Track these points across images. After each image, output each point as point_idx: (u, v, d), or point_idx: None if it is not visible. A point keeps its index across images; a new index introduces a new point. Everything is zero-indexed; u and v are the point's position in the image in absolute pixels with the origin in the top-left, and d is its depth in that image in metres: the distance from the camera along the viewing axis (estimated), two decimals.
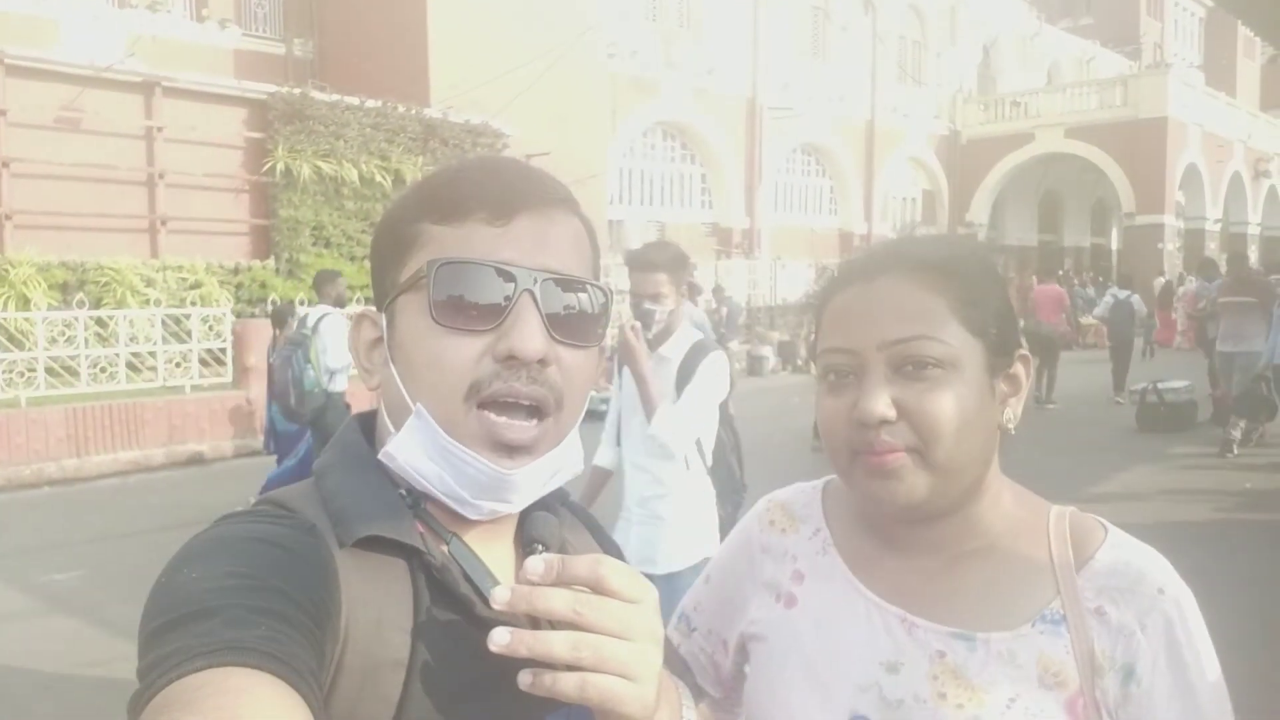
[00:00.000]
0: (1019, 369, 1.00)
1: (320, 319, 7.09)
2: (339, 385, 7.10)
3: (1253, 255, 35.73)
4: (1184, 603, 0.93)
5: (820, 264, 21.64)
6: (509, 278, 0.77)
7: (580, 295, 0.81)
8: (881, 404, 0.91)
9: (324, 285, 7.57)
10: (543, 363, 0.77)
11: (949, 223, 32.52)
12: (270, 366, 7.49)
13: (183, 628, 0.61)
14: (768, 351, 18.42)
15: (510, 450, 0.78)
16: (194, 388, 11.04)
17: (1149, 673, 0.90)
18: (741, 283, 22.10)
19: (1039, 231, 35.84)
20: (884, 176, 30.45)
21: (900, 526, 1.00)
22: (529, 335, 0.76)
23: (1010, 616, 0.94)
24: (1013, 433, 0.99)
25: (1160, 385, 11.50)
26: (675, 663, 1.09)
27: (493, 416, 0.77)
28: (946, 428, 0.91)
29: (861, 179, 29.86)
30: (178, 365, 11.20)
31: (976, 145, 32.31)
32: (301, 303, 12.44)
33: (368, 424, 0.88)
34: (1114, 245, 37.47)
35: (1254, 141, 36.39)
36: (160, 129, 13.24)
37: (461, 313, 0.77)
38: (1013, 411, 0.99)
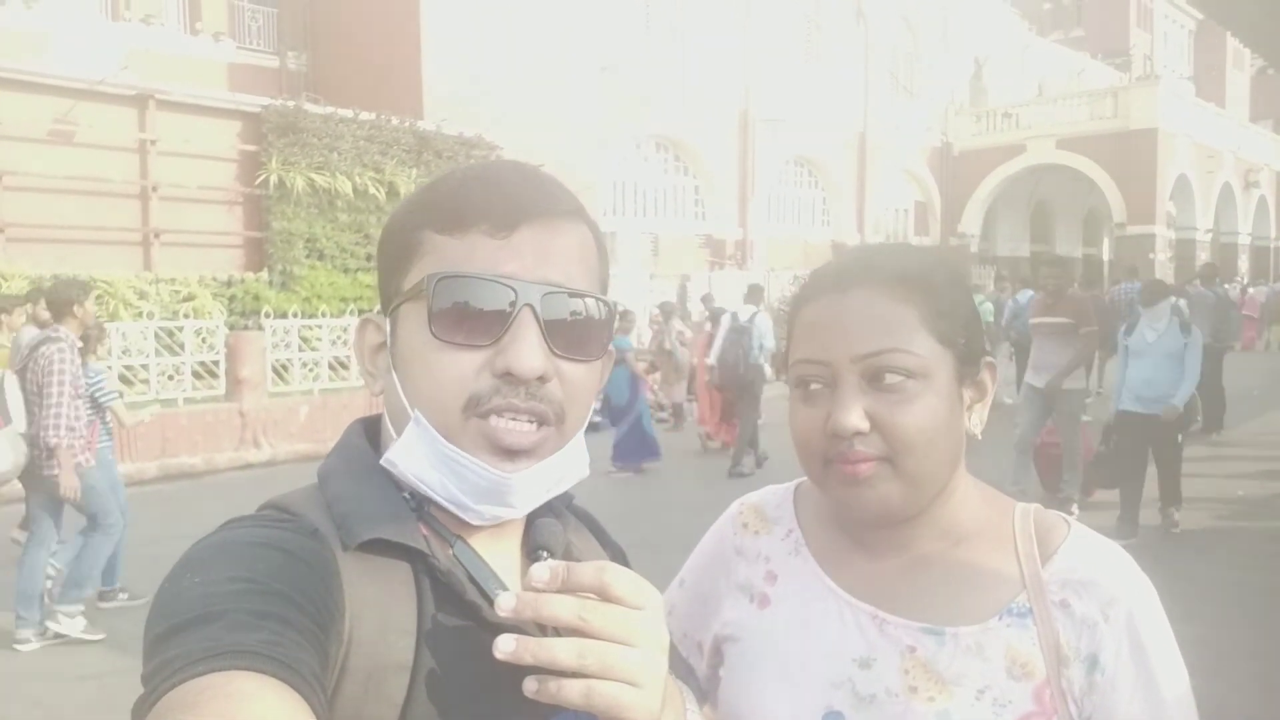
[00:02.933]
0: (985, 376, 1.02)
1: (753, 315, 9.93)
2: (764, 360, 9.98)
3: (1243, 264, 35.95)
4: (1145, 596, 0.96)
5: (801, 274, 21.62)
6: (510, 291, 0.77)
7: (584, 305, 0.80)
8: (855, 416, 0.93)
9: (752, 295, 10.65)
10: (542, 379, 0.77)
11: (941, 234, 32.66)
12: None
13: (186, 632, 0.62)
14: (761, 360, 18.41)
15: (510, 454, 0.77)
16: (187, 400, 11.02)
17: (1112, 662, 0.93)
18: (735, 293, 22.11)
19: (1031, 242, 35.96)
20: (876, 188, 30.58)
21: (871, 528, 1.02)
22: (527, 352, 0.76)
23: (978, 611, 0.97)
24: (979, 437, 1.02)
25: None
26: (679, 667, 1.10)
27: (493, 420, 0.77)
28: (918, 439, 0.94)
29: (854, 190, 29.98)
30: (170, 378, 11.18)
31: (968, 156, 32.45)
32: (296, 315, 12.42)
33: (371, 429, 0.88)
34: (1106, 255, 37.65)
35: (1244, 152, 36.61)
36: (154, 142, 13.25)
37: (461, 327, 0.77)
38: (979, 417, 1.02)
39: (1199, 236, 33.44)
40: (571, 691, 0.63)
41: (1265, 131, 41.15)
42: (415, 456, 0.79)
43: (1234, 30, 12.87)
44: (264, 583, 0.66)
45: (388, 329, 0.83)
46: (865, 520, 1.00)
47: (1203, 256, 31.29)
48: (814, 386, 0.98)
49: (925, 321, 0.95)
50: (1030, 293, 14.74)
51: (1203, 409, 11.51)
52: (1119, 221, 30.22)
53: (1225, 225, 36.53)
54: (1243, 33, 12.72)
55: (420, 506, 0.81)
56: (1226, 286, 12.41)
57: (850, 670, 0.98)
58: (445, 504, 0.80)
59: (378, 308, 0.89)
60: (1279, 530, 7.30)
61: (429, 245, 0.80)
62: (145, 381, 10.99)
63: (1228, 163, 35.10)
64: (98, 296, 11.74)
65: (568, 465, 0.83)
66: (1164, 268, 28.78)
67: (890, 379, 0.94)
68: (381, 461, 0.81)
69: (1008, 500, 1.06)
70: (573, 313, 0.79)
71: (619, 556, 0.99)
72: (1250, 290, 25.59)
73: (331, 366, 12.49)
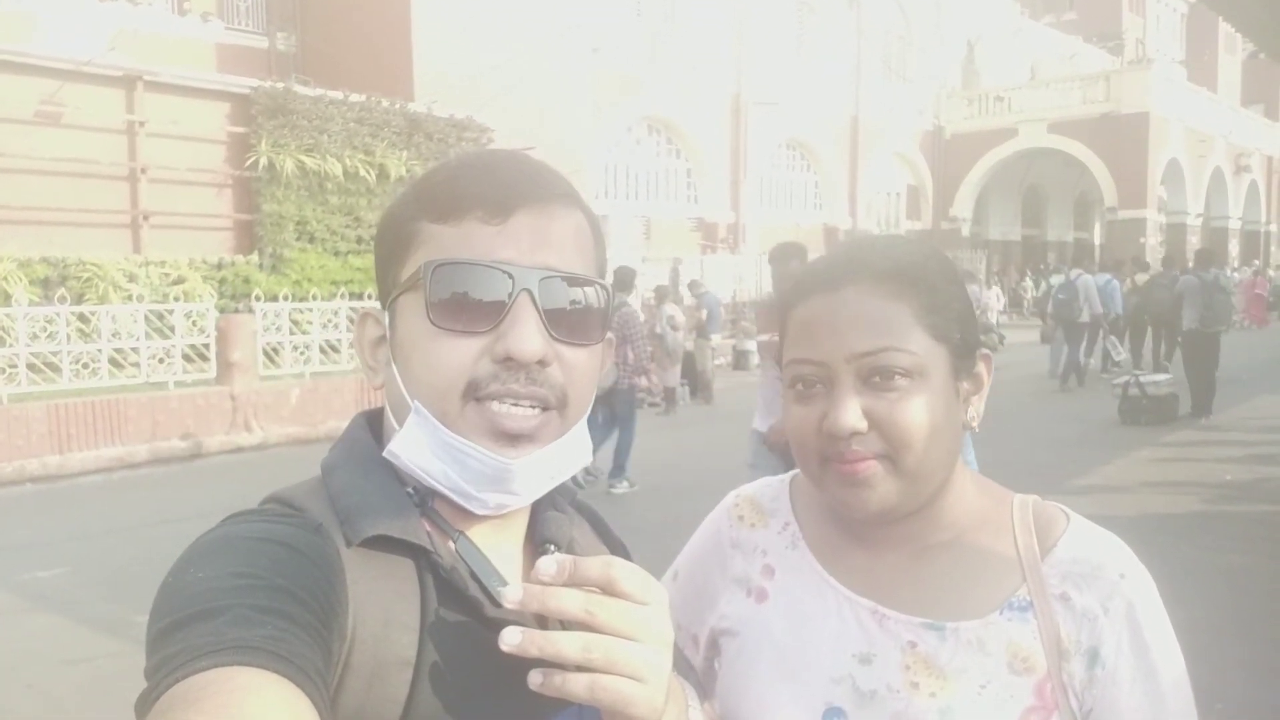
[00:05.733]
0: (981, 368, 1.02)
1: None
2: None
3: (1233, 249, 36.10)
4: (1144, 587, 0.96)
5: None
6: (507, 277, 0.76)
7: (582, 292, 0.80)
8: (853, 416, 0.93)
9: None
10: (542, 363, 0.77)
11: (933, 217, 32.68)
12: None
13: (189, 628, 0.61)
14: (753, 346, 18.42)
15: (512, 438, 0.77)
16: (177, 383, 10.98)
17: (1113, 655, 0.93)
18: (727, 277, 22.14)
19: (1022, 226, 36.05)
20: (868, 172, 30.55)
21: (869, 524, 1.02)
22: (526, 337, 0.76)
23: (978, 605, 0.97)
24: (976, 430, 1.02)
25: (1142, 379, 11.63)
26: (680, 663, 1.10)
27: (493, 406, 0.77)
28: (917, 436, 0.93)
29: (846, 174, 29.95)
30: (161, 361, 11.13)
31: (960, 140, 32.45)
32: (286, 298, 12.38)
33: (375, 421, 0.88)
34: (1097, 240, 37.73)
35: (1235, 137, 36.70)
36: (142, 123, 13.14)
37: (459, 314, 0.77)
38: (975, 410, 1.02)
39: (1190, 221, 33.54)
40: (576, 685, 0.64)
41: (1256, 116, 41.21)
42: (417, 446, 0.79)
43: (1225, 15, 12.86)
44: (267, 578, 0.66)
45: (386, 322, 0.83)
46: (864, 518, 0.99)
47: (1193, 241, 31.42)
48: (809, 386, 0.97)
49: (919, 318, 0.95)
50: (1108, 276, 15.47)
51: (1191, 393, 11.59)
52: (1110, 206, 30.29)
53: (1216, 210, 36.65)
54: (1234, 17, 12.71)
55: (424, 502, 0.81)
56: (1215, 271, 12.55)
57: (851, 666, 0.98)
58: (449, 494, 0.80)
59: (371, 294, 0.89)
60: (1266, 514, 7.35)
61: (425, 235, 0.80)
62: (136, 365, 10.95)
63: (1219, 147, 35.17)
64: (87, 280, 11.72)
65: (570, 452, 0.83)
66: (1155, 252, 28.91)
67: (887, 378, 0.93)
68: (384, 453, 0.81)
69: (1005, 491, 1.06)
70: (571, 298, 0.79)
71: (621, 552, 0.98)
72: (1252, 275, 26.37)
73: (322, 350, 12.45)
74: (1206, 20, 42.36)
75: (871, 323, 0.94)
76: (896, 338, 0.94)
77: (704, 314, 15.34)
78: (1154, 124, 29.41)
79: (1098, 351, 15.86)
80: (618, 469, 8.42)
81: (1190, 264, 15.18)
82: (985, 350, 1.03)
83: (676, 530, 1.28)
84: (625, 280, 9.37)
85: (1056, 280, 16.86)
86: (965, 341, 0.99)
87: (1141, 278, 16.55)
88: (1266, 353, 18.25)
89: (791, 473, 1.14)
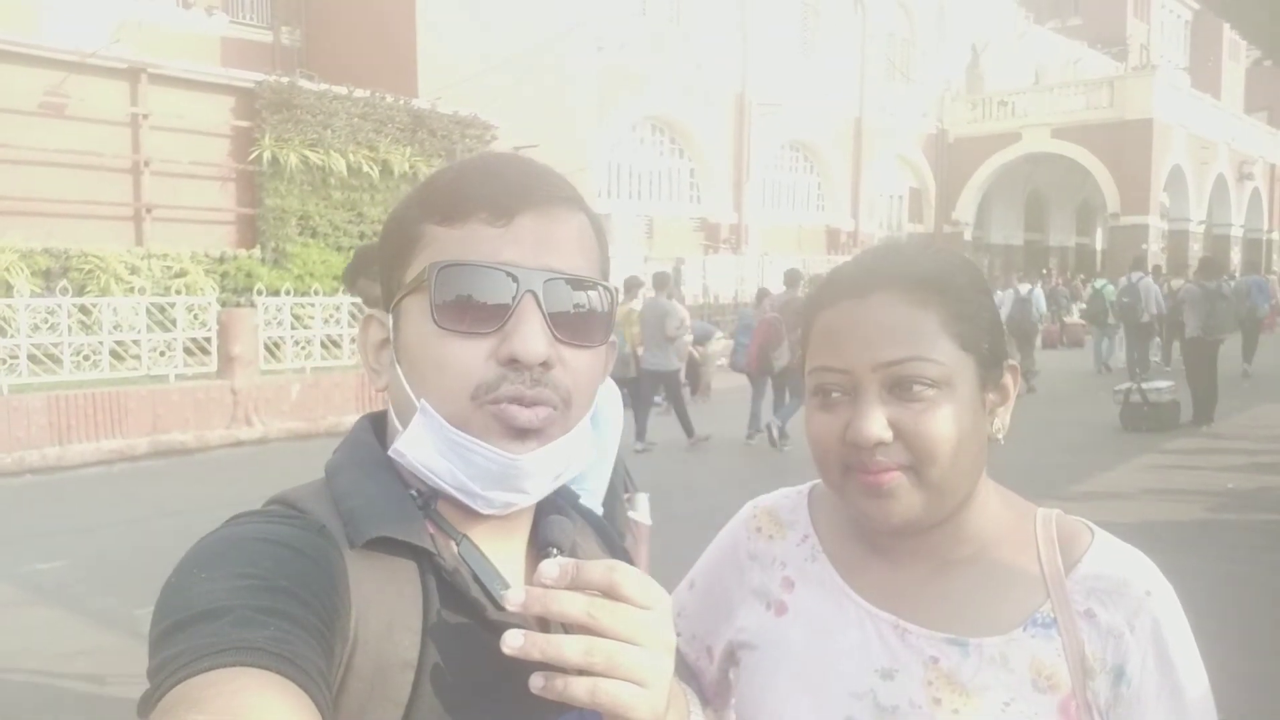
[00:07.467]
0: (1008, 379, 1.00)
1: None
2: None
3: (1235, 257, 36.13)
4: (1170, 604, 0.95)
5: (807, 262, 21.74)
6: (511, 279, 0.77)
7: (586, 294, 0.80)
8: (878, 426, 0.91)
9: (660, 282, 11.63)
10: (546, 365, 0.77)
11: (935, 221, 32.68)
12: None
13: (191, 628, 0.61)
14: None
15: (519, 434, 0.77)
16: (178, 377, 10.99)
17: (1138, 673, 0.92)
18: (729, 278, 22.18)
19: (1025, 231, 36.05)
20: (871, 174, 30.55)
21: (891, 536, 1.00)
22: (531, 338, 0.76)
23: (1002, 621, 0.96)
24: (1001, 442, 1.00)
25: (1144, 385, 11.62)
26: (682, 669, 1.09)
27: (500, 408, 0.77)
28: (943, 448, 0.92)
29: (849, 176, 29.95)
30: (162, 354, 11.14)
31: (964, 144, 32.46)
32: (288, 292, 12.38)
33: (379, 424, 0.88)
34: (1099, 245, 37.74)
35: (1238, 144, 36.70)
36: (146, 116, 13.13)
37: (464, 316, 0.77)
38: (1001, 421, 1.00)
39: (1192, 228, 33.54)
40: (578, 689, 0.64)
41: (1259, 123, 41.21)
42: (423, 445, 0.79)
43: (1230, 21, 12.87)
44: (270, 579, 0.66)
45: (390, 324, 0.83)
46: (886, 530, 0.98)
47: (1195, 248, 31.42)
48: (833, 394, 0.96)
49: (946, 326, 0.94)
50: (1138, 273, 16.28)
51: (1193, 401, 11.57)
52: (1113, 211, 30.30)
53: (1218, 217, 36.64)
54: (1239, 24, 12.72)
55: (427, 504, 0.81)
56: (1220, 280, 12.57)
57: (872, 681, 0.97)
58: (454, 493, 0.80)
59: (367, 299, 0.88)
60: (1269, 523, 7.34)
61: (429, 237, 0.80)
62: (137, 358, 10.95)
63: (1222, 154, 35.19)
64: (89, 271, 11.71)
65: (573, 450, 0.83)
66: (1156, 259, 28.93)
67: (913, 388, 0.92)
68: (389, 452, 0.81)
69: (1028, 505, 1.05)
70: (574, 300, 0.79)
71: (623, 557, 0.99)
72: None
73: (324, 345, 12.46)
74: (1211, 27, 42.38)
75: (899, 331, 0.93)
76: (924, 347, 0.93)
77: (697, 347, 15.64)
78: (1157, 130, 29.42)
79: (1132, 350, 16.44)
80: (783, 433, 10.13)
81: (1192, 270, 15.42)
82: (1011, 361, 1.02)
83: (676, 530, 1.28)
84: (794, 279, 11.33)
85: (1100, 284, 18.36)
86: (993, 352, 0.98)
87: (1177, 283, 16.88)
88: (1275, 357, 18.12)
89: (809, 484, 1.14)
